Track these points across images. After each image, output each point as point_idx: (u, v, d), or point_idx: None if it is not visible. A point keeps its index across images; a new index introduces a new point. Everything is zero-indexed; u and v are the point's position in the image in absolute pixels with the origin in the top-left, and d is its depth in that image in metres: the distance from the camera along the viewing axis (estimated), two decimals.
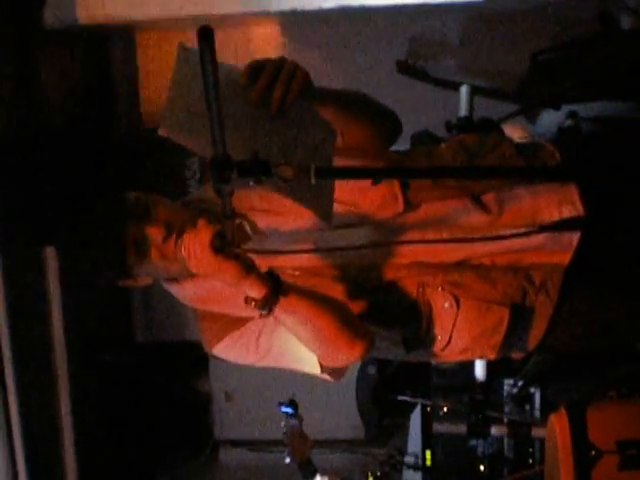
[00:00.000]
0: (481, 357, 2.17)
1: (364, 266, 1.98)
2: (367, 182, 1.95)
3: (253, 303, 1.81)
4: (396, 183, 1.99)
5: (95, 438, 3.93)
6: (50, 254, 3.60)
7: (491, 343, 2.05)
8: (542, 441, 3.21)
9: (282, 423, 3.22)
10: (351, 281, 1.98)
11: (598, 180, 1.92)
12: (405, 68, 3.88)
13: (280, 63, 1.79)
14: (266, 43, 3.94)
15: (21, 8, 3.49)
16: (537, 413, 3.42)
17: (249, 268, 1.79)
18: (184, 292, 2.08)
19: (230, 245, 1.76)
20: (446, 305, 1.99)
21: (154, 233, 1.91)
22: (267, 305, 1.81)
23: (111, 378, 4.13)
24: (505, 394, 3.47)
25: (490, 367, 3.38)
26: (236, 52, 4.00)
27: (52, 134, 3.62)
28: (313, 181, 1.47)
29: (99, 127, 4.09)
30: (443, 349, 2.06)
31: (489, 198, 2.00)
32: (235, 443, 4.71)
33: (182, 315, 4.40)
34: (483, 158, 2.06)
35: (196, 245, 1.76)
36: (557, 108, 3.36)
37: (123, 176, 3.91)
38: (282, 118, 1.77)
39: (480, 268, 1.99)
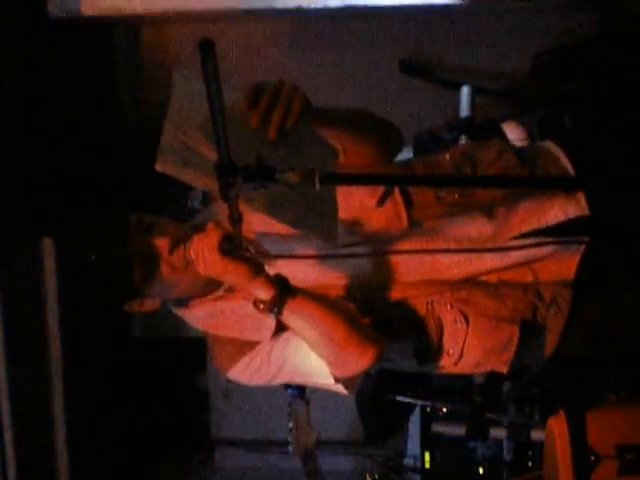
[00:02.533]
0: (494, 370, 2.15)
1: (371, 286, 1.98)
2: (372, 203, 2.00)
3: (262, 305, 1.82)
4: (400, 202, 2.00)
5: (89, 436, 3.92)
6: (47, 248, 3.59)
7: (503, 359, 2.05)
8: (541, 444, 3.20)
9: (288, 404, 3.23)
10: (358, 301, 1.98)
11: (604, 185, 1.91)
12: (408, 67, 3.89)
13: (279, 86, 1.77)
14: (270, 40, 3.94)
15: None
16: (537, 416, 3.41)
17: (257, 270, 1.79)
18: (194, 317, 2.09)
19: (238, 248, 1.77)
20: (455, 321, 1.99)
21: (160, 246, 1.91)
22: (276, 307, 1.82)
23: (107, 374, 4.11)
24: (505, 396, 3.46)
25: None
26: (239, 49, 4.00)
27: (54, 126, 3.61)
28: (318, 187, 1.46)
29: (102, 119, 4.08)
30: (455, 363, 2.06)
31: (498, 209, 2.00)
32: (232, 443, 4.70)
33: None
34: (486, 170, 2.06)
35: (204, 247, 1.77)
36: (559, 109, 3.35)
37: (125, 168, 3.90)
38: (282, 141, 1.76)
39: (488, 285, 2.00)
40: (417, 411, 3.62)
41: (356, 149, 2.01)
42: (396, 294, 1.99)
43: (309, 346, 1.92)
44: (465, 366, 2.07)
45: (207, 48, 1.28)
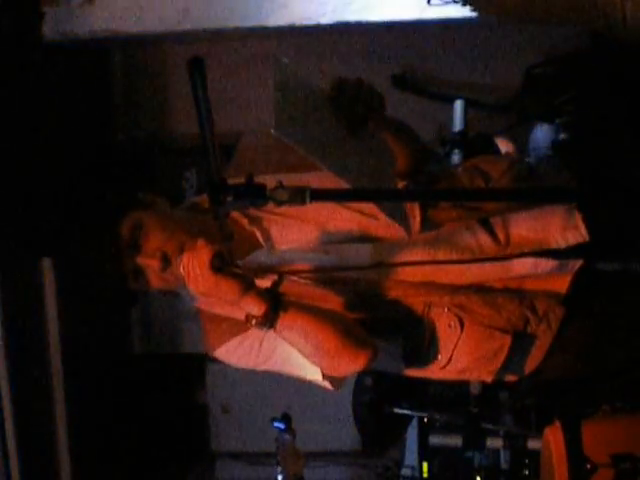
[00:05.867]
0: (478, 379, 2.19)
1: (372, 281, 2.00)
2: None
3: (254, 320, 1.85)
4: (417, 203, 2.03)
5: (91, 450, 3.93)
6: (47, 266, 3.61)
7: (490, 368, 2.07)
8: (538, 453, 3.21)
9: (275, 438, 3.23)
10: (358, 294, 2.00)
11: (599, 201, 1.94)
12: (400, 82, 3.91)
13: (360, 82, 1.90)
14: (262, 57, 3.96)
15: (20, 22, 3.52)
16: (533, 425, 3.42)
17: (248, 286, 1.82)
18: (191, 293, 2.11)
19: (229, 264, 1.79)
20: (450, 325, 2.01)
21: (151, 264, 1.95)
22: (267, 322, 1.85)
23: (108, 390, 4.13)
24: (501, 406, 3.48)
25: None
26: (232, 67, 4.03)
27: (52, 147, 3.64)
28: (308, 201, 1.50)
29: (99, 140, 4.11)
30: (442, 368, 2.08)
31: (496, 221, 2.02)
32: (232, 455, 4.71)
33: (179, 328, 4.42)
34: (497, 182, 2.10)
35: (195, 265, 1.79)
36: (551, 122, 3.38)
37: (121, 188, 3.92)
38: (360, 134, 1.89)
39: (488, 293, 2.02)
40: (415, 422, 3.63)
41: (404, 159, 2.10)
42: (396, 292, 2.01)
43: (302, 354, 1.95)
44: (451, 371, 2.09)
45: (196, 66, 1.33)
